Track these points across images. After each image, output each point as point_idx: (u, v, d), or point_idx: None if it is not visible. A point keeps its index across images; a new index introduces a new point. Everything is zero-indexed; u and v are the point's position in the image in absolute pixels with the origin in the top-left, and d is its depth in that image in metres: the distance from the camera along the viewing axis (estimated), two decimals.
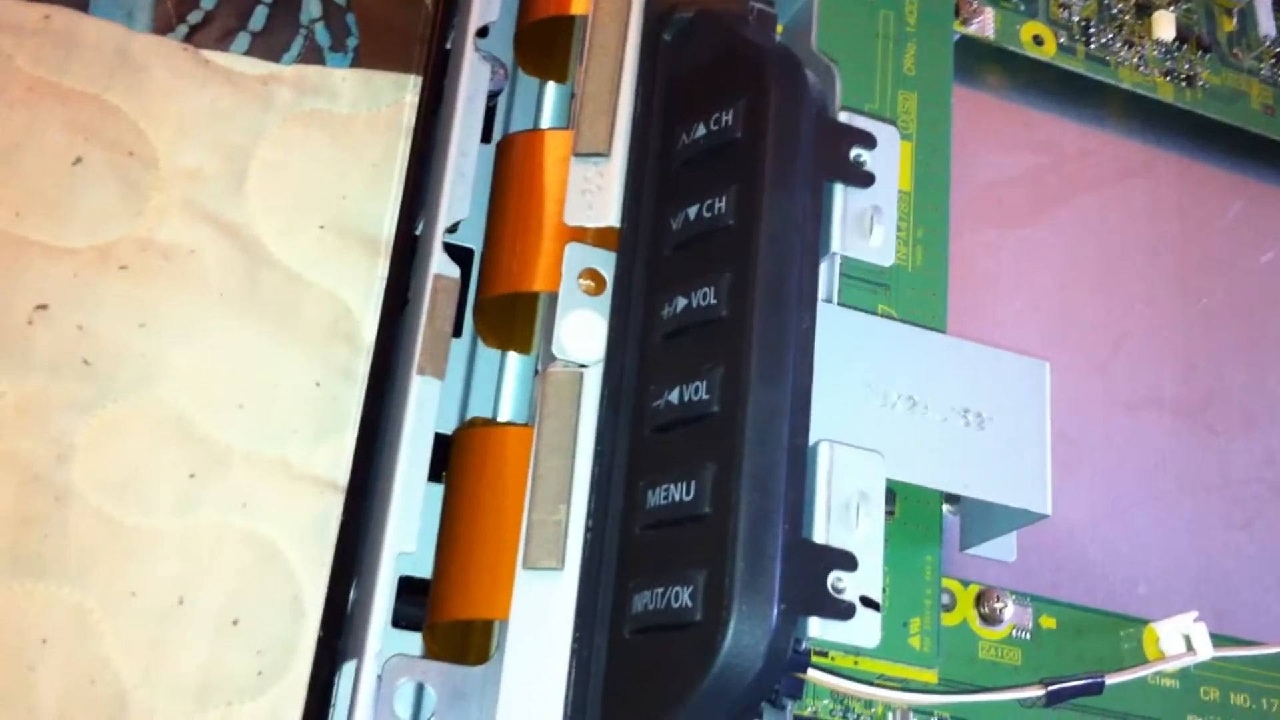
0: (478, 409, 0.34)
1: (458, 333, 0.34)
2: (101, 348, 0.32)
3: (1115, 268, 0.43)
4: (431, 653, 0.32)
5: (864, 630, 0.28)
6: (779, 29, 0.36)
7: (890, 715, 0.34)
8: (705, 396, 0.28)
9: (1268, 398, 0.43)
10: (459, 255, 0.33)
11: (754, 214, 0.29)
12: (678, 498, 0.28)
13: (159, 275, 0.34)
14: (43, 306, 0.32)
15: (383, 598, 0.30)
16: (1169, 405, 0.42)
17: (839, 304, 0.33)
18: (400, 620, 0.31)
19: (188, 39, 0.36)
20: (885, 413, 0.32)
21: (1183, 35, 0.44)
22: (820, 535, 0.28)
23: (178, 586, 0.32)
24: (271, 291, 0.34)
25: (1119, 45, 0.43)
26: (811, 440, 0.29)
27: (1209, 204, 0.44)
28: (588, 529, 0.29)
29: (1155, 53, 0.44)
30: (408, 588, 0.32)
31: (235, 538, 0.32)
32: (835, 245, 0.31)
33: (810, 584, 0.27)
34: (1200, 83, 0.44)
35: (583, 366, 0.31)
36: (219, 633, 0.32)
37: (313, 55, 0.37)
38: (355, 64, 0.38)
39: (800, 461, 0.28)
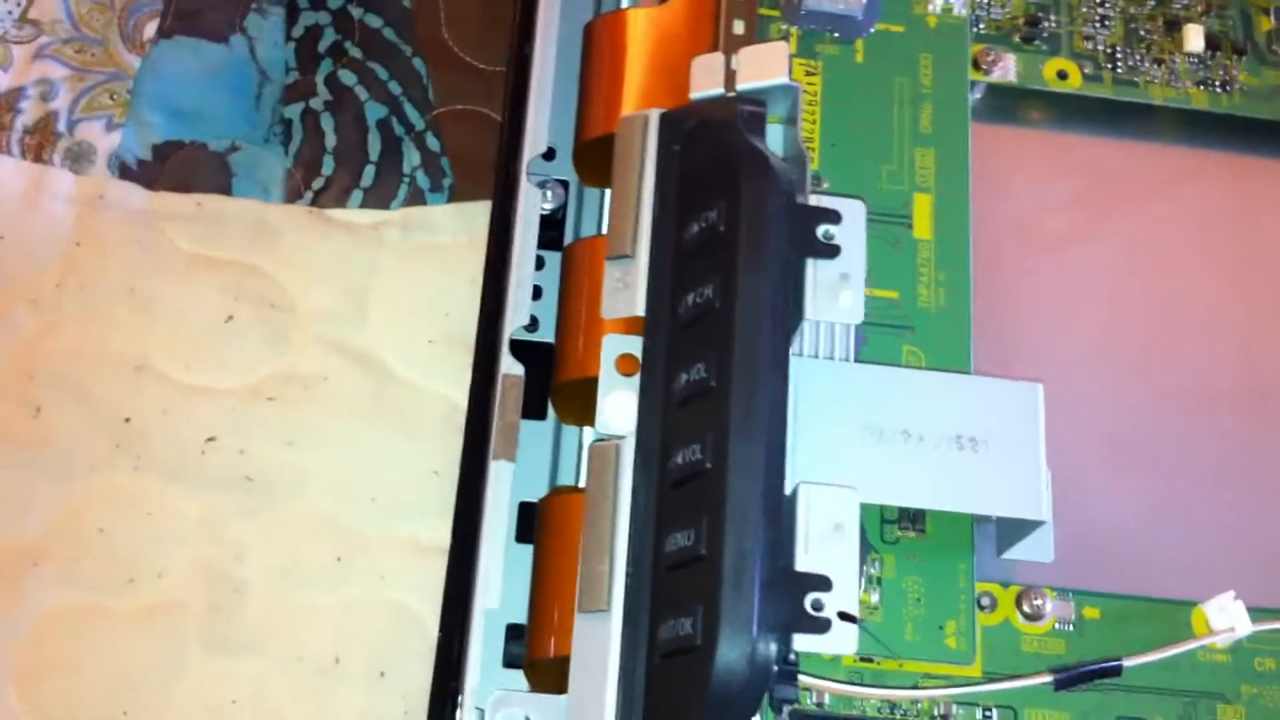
0: (564, 478, 0.41)
1: (543, 415, 0.41)
2: (259, 466, 0.41)
3: (1165, 273, 0.45)
4: (533, 686, 0.38)
5: (841, 641, 0.33)
6: (774, 119, 0.41)
7: (935, 709, 0.38)
8: (700, 457, 0.34)
9: None
10: (544, 349, 0.40)
11: (732, 296, 0.35)
12: (685, 544, 0.34)
13: (300, 401, 0.42)
14: (212, 439, 0.41)
15: (476, 644, 0.37)
16: (1227, 402, 0.44)
17: (857, 358, 0.38)
18: (513, 662, 0.38)
19: (313, 202, 0.44)
20: (882, 448, 0.36)
21: (1213, 43, 0.46)
22: (802, 563, 0.34)
23: (334, 649, 0.40)
24: (392, 401, 0.42)
25: (1148, 64, 0.46)
26: (795, 481, 0.34)
27: (1262, 197, 0.46)
28: (628, 574, 0.36)
29: (1186, 65, 0.46)
30: (518, 633, 0.38)
31: (378, 605, 0.40)
32: (809, 313, 0.36)
33: (789, 606, 0.33)
34: (1236, 85, 0.46)
35: (620, 438, 0.37)
36: (370, 684, 0.39)
37: (416, 198, 0.45)
38: (452, 199, 0.45)
39: (777, 503, 0.33)
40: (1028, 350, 0.44)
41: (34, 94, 0.44)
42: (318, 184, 0.45)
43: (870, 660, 0.38)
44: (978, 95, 0.46)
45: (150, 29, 0.46)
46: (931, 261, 0.42)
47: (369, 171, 0.45)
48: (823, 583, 0.33)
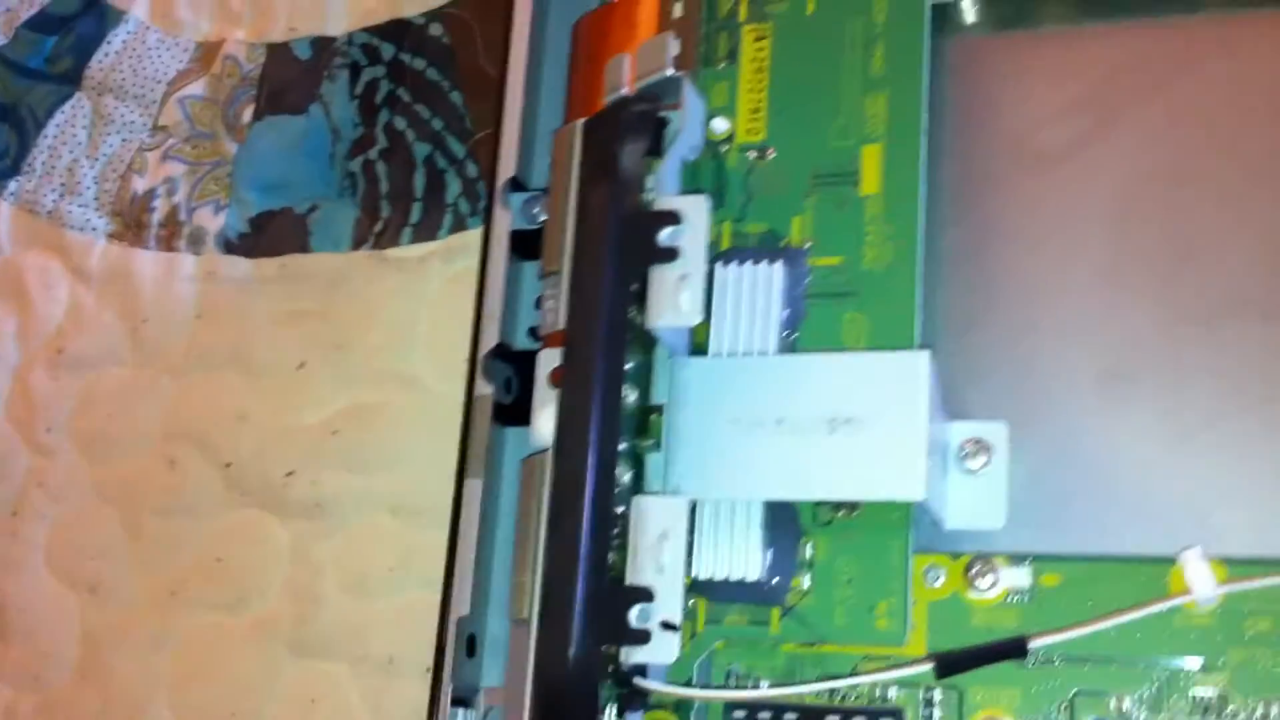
0: None
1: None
2: (330, 493, 0.47)
3: (1181, 173, 0.39)
4: None
5: (663, 650, 0.34)
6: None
7: (875, 692, 0.37)
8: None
9: None
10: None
11: (572, 316, 0.36)
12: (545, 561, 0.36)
13: (361, 432, 0.47)
14: (291, 473, 0.48)
15: (450, 647, 0.41)
16: (1250, 308, 0.38)
17: (796, 335, 0.38)
18: None
19: (374, 246, 0.50)
20: (752, 441, 0.36)
21: None
22: (632, 575, 0.35)
23: (389, 649, 0.45)
24: (436, 419, 0.47)
25: None
26: (670, 485, 0.35)
27: None
28: (543, 586, 0.38)
29: None
30: None
31: (426, 608, 0.45)
32: (649, 321, 0.36)
33: (612, 619, 0.34)
34: None
35: (545, 450, 0.39)
36: (419, 679, 0.45)
37: (458, 224, 0.49)
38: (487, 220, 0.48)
39: (606, 516, 0.35)
40: (1019, 283, 0.40)
41: (162, 191, 0.53)
42: (378, 228, 0.50)
43: (811, 645, 0.38)
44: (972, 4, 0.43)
45: (248, 114, 0.53)
46: (879, 218, 0.40)
47: (416, 208, 0.49)
48: (644, 594, 0.34)
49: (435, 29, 0.51)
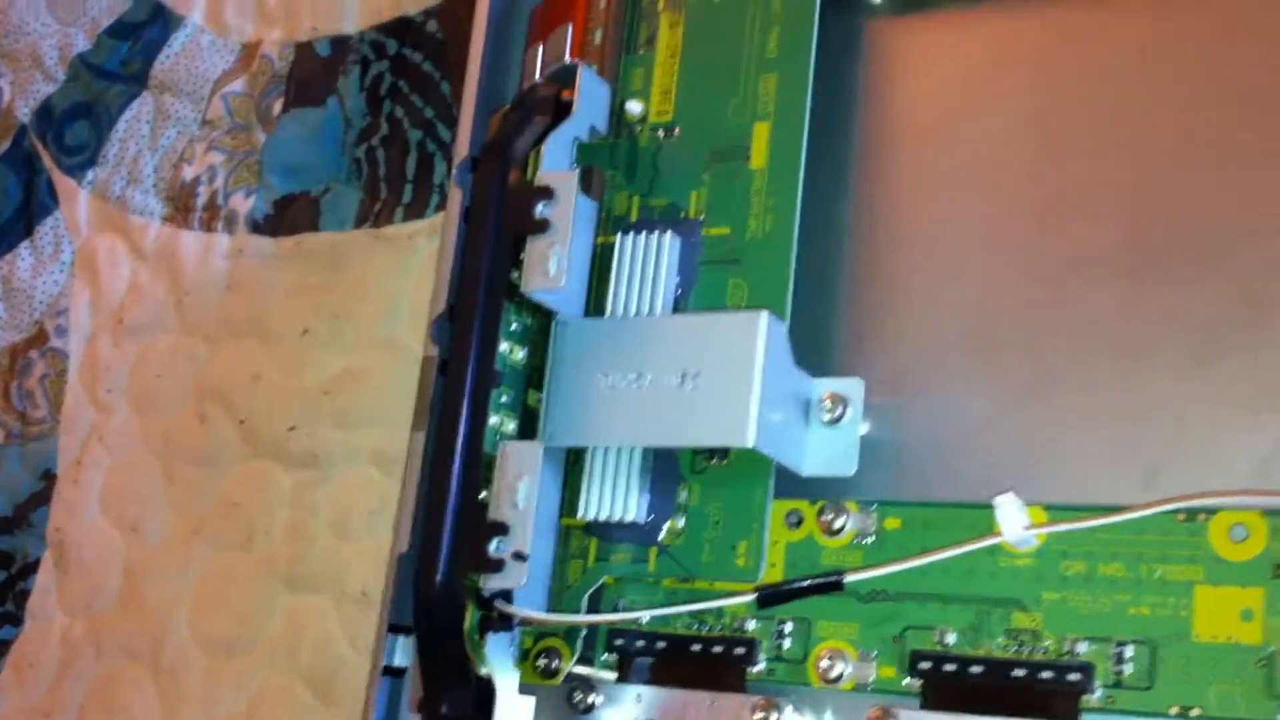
0: None
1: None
2: (322, 445, 0.53)
3: (1044, 146, 0.41)
4: None
5: (513, 577, 0.38)
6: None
7: (736, 623, 0.40)
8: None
9: (1240, 219, 0.38)
10: None
11: (458, 282, 0.41)
12: None
13: (351, 390, 0.53)
14: (293, 428, 0.54)
15: (391, 581, 0.46)
16: (1105, 271, 0.39)
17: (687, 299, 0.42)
18: None
19: (373, 224, 0.55)
20: (616, 394, 0.40)
21: None
22: (494, 511, 0.39)
23: (364, 583, 0.51)
24: (417, 378, 0.52)
25: None
26: (545, 436, 0.40)
27: (1170, 28, 0.40)
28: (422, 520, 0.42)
29: None
30: None
31: None
32: (523, 287, 0.40)
33: (475, 550, 0.39)
34: None
35: None
36: None
37: (444, 203, 0.54)
38: None
39: (475, 462, 0.39)
40: (895, 250, 0.43)
41: (205, 179, 0.59)
42: (377, 208, 0.55)
43: (687, 580, 0.41)
44: None
45: (277, 107, 0.59)
46: (763, 190, 0.43)
47: (408, 189, 0.55)
48: (501, 529, 0.39)
49: (431, 25, 0.56)
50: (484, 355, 0.40)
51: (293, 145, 0.58)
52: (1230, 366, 0.38)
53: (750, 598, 0.38)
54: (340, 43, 0.58)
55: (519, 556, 0.38)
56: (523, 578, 0.38)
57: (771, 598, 0.38)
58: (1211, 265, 0.39)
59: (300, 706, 0.50)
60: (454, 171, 0.48)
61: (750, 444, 0.38)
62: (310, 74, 0.58)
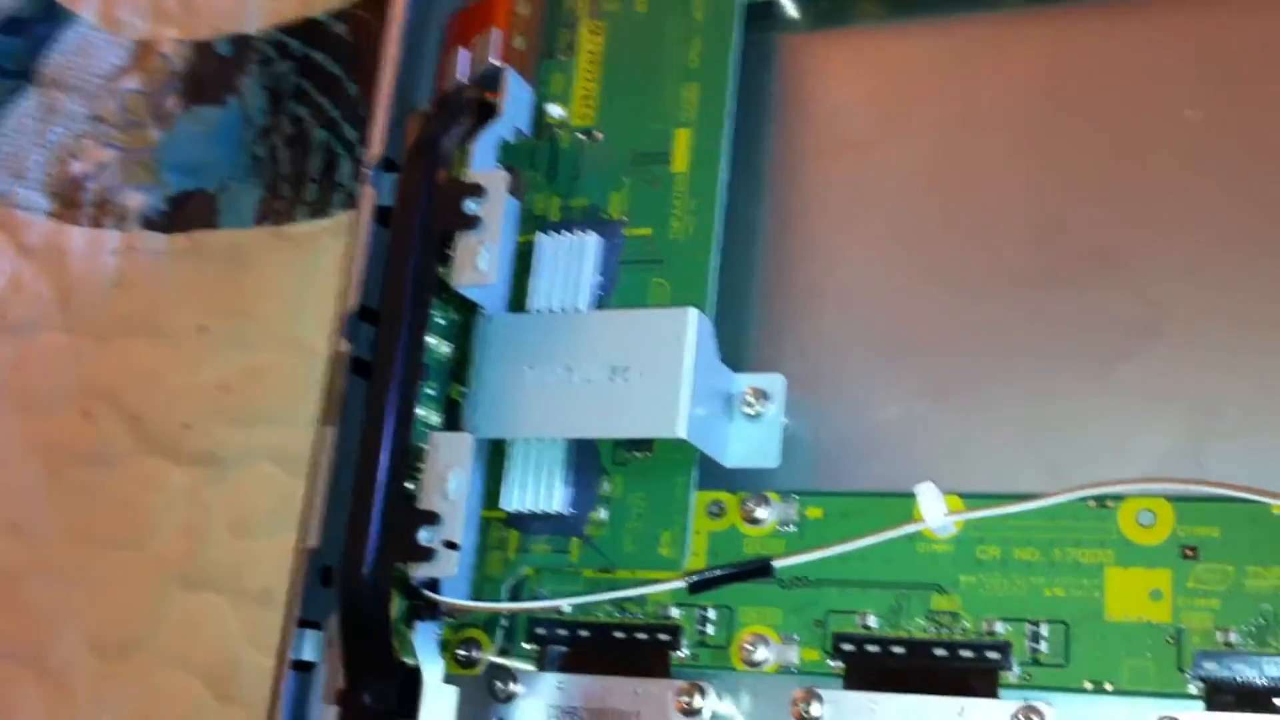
0: None
1: None
2: (220, 443, 0.52)
3: (955, 159, 0.43)
4: None
5: (444, 565, 0.38)
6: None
7: (659, 610, 0.41)
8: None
9: (1137, 234, 0.41)
10: None
11: (386, 277, 0.41)
12: None
13: (251, 388, 0.52)
14: (188, 425, 0.53)
15: (301, 575, 0.45)
16: (1018, 270, 0.41)
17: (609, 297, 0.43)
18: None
19: (274, 222, 0.55)
20: (544, 387, 0.40)
21: None
22: (423, 502, 0.39)
23: (265, 582, 0.50)
24: (320, 376, 0.51)
25: None
26: (472, 427, 0.40)
27: (1071, 50, 0.43)
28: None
29: None
30: None
31: None
32: (452, 281, 0.41)
33: (403, 539, 0.39)
34: None
35: None
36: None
37: (349, 202, 0.54)
38: None
39: (402, 452, 0.39)
40: (813, 255, 0.44)
41: (96, 175, 0.58)
42: (279, 206, 0.55)
43: (608, 571, 0.42)
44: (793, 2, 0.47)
45: (174, 105, 0.58)
46: (685, 193, 0.44)
47: (312, 189, 0.54)
48: (431, 517, 0.39)
49: (339, 27, 0.56)
50: (412, 348, 0.40)
51: (191, 143, 0.57)
52: (1129, 367, 0.40)
53: (681, 584, 0.39)
54: (241, 42, 0.58)
55: (450, 545, 0.39)
56: (454, 566, 0.39)
57: (702, 583, 0.39)
58: (1110, 276, 0.41)
59: (197, 705, 0.49)
60: (367, 171, 0.48)
61: (681, 435, 0.39)
62: (209, 73, 0.58)
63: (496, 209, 0.41)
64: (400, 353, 0.40)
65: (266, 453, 0.51)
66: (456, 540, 0.39)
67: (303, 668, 0.44)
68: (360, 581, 0.38)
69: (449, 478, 0.39)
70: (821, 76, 0.47)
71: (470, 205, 0.41)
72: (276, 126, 0.56)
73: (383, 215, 0.48)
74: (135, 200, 0.57)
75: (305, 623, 0.44)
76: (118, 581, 0.52)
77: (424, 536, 0.39)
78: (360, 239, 0.48)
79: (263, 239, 0.54)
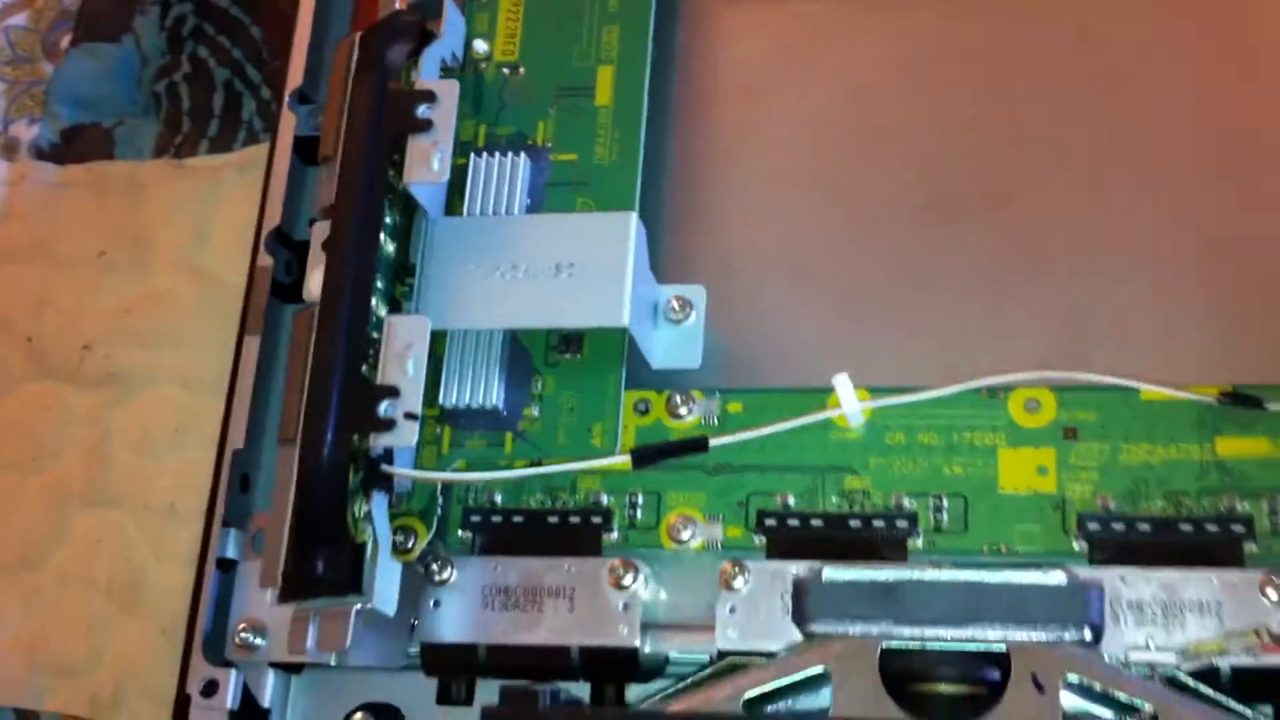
0: None
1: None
2: (123, 365, 0.53)
3: (858, 108, 0.49)
4: None
5: (404, 435, 0.41)
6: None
7: (590, 498, 0.44)
8: None
9: (1010, 173, 0.47)
10: None
11: (340, 178, 0.43)
12: None
13: (153, 312, 0.53)
14: (87, 347, 0.53)
15: (225, 475, 0.46)
16: (911, 209, 0.47)
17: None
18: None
19: (174, 155, 0.56)
20: (491, 283, 0.43)
21: None
22: (382, 377, 0.41)
23: (171, 498, 0.51)
24: (222, 305, 0.53)
25: None
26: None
27: (961, 17, 0.49)
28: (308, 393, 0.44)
29: None
30: None
31: (206, 463, 0.51)
32: (405, 178, 0.43)
33: (363, 412, 0.41)
34: None
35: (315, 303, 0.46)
36: (200, 520, 0.50)
37: (252, 139, 0.55)
38: None
39: (360, 331, 0.41)
40: (729, 183, 0.49)
41: None
42: (178, 140, 0.56)
43: (538, 462, 0.45)
44: None
45: (65, 42, 0.58)
46: (609, 124, 0.48)
47: (214, 124, 0.56)
48: (391, 391, 0.41)
49: None
50: (366, 240, 0.42)
51: (83, 78, 0.57)
52: (1013, 282, 0.46)
53: (624, 458, 0.42)
54: None
55: (410, 416, 0.41)
56: (414, 436, 0.41)
57: (644, 456, 0.42)
58: (992, 209, 0.47)
59: (100, 619, 0.49)
60: (285, 99, 0.50)
61: (624, 323, 0.42)
62: (102, 11, 0.58)
63: (448, 114, 0.44)
64: (354, 241, 0.42)
65: (168, 374, 0.52)
66: (416, 412, 0.41)
67: (225, 566, 0.45)
68: (320, 455, 0.40)
69: (409, 356, 0.41)
70: (724, 34, 0.51)
71: (423, 110, 0.44)
72: (175, 65, 0.57)
73: (299, 145, 0.50)
74: (24, 132, 0.57)
75: (229, 521, 0.46)
76: (11, 503, 0.52)
77: (384, 409, 0.41)
78: (278, 165, 0.49)
79: (162, 170, 0.55)
